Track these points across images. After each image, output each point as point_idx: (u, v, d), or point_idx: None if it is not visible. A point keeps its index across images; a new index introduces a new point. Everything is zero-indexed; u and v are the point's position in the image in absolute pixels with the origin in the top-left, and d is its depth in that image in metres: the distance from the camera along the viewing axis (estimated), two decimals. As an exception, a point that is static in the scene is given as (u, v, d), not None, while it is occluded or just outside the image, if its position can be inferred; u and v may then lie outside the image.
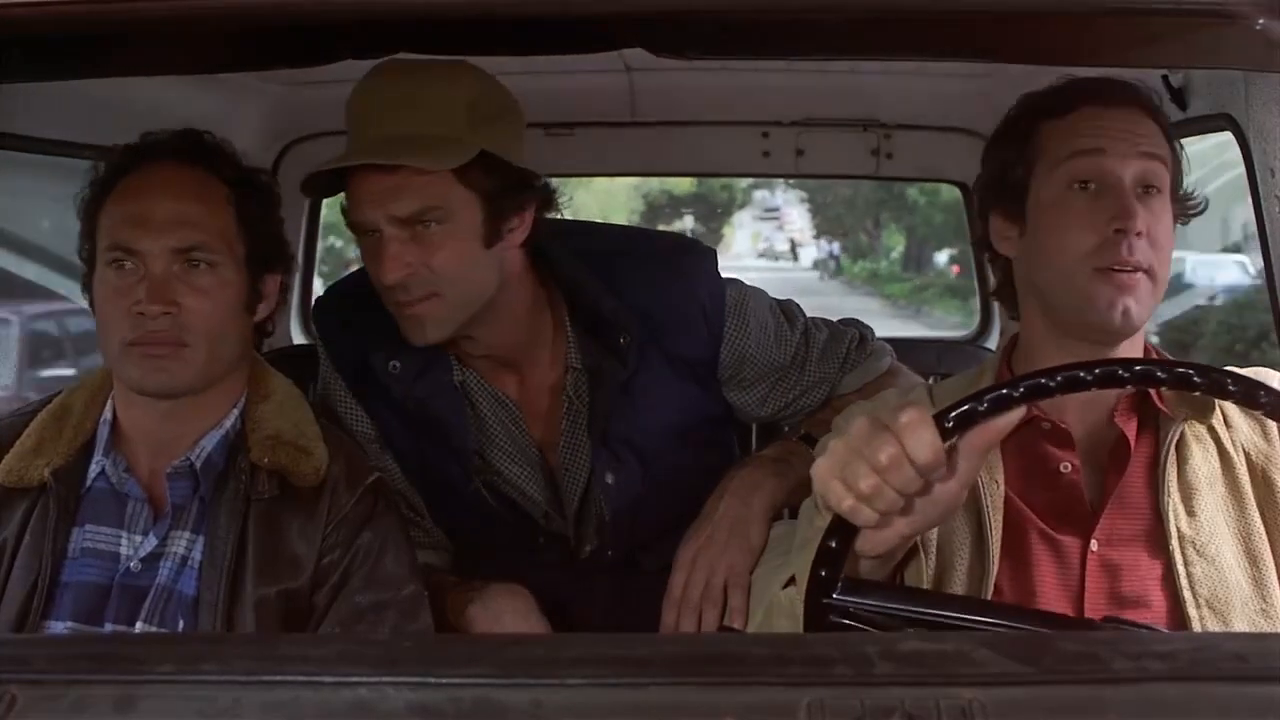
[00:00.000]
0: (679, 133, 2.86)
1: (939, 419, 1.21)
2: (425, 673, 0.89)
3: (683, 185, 26.80)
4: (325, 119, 2.77)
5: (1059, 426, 1.53)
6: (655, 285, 1.92)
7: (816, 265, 29.35)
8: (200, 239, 1.64)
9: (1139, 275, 1.47)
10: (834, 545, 1.24)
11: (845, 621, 1.24)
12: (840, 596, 1.24)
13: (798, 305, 2.06)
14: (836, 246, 28.21)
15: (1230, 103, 1.81)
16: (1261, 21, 1.07)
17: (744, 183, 26.87)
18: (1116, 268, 1.47)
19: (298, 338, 3.04)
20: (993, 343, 3.12)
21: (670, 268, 1.95)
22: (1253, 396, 1.22)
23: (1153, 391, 1.52)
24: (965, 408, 1.21)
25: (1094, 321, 1.49)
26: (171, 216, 1.63)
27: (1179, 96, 1.94)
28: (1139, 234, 1.47)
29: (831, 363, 2.00)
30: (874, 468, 1.20)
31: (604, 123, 2.85)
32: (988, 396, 1.21)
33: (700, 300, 1.93)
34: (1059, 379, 1.22)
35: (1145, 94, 1.55)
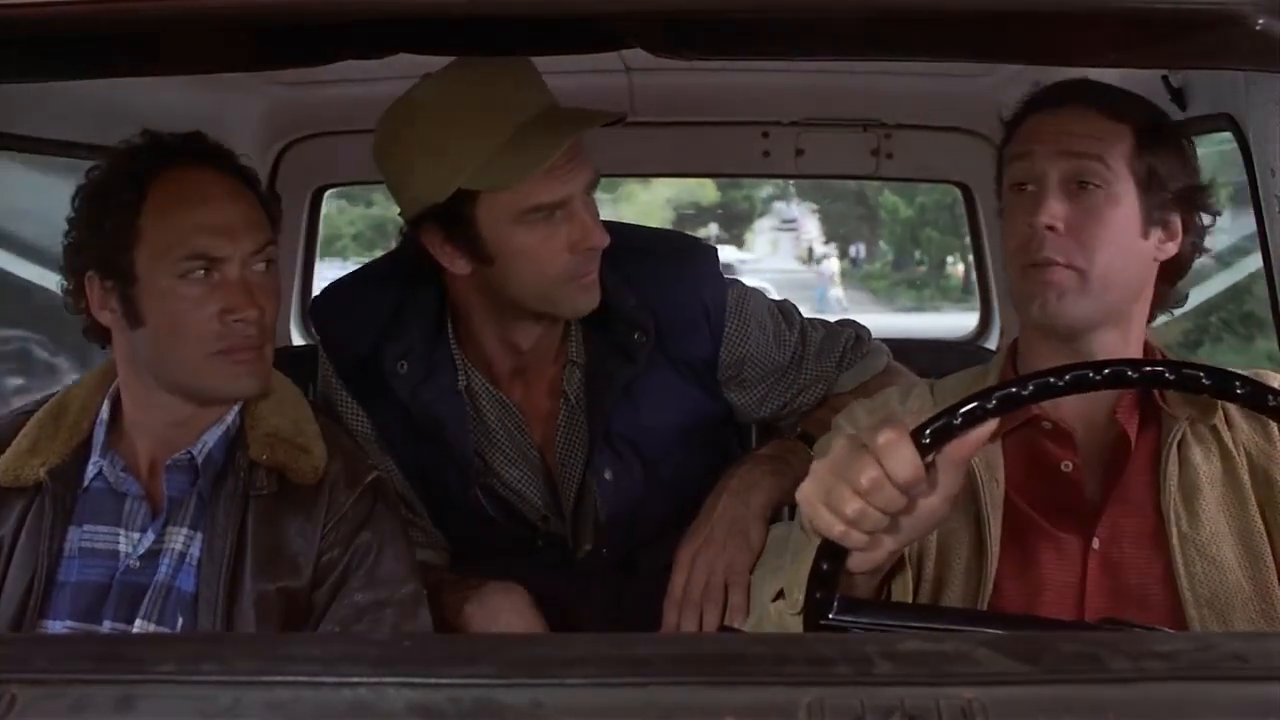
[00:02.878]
0: (679, 133, 2.86)
1: (915, 435, 1.21)
2: (425, 673, 0.89)
3: (709, 196, 29.98)
4: (325, 119, 2.78)
5: (1060, 426, 1.53)
6: (662, 285, 1.92)
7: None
8: (269, 238, 1.67)
9: (1061, 270, 1.49)
10: (826, 568, 1.26)
11: (844, 635, 1.25)
12: (837, 617, 1.25)
13: (794, 305, 2.06)
14: (861, 250, 30.22)
15: (1230, 103, 1.81)
16: (1261, 21, 1.07)
17: (763, 194, 30.55)
18: (1034, 263, 1.50)
19: (297, 338, 3.04)
20: (992, 342, 3.12)
21: (677, 268, 1.96)
22: (1228, 390, 1.23)
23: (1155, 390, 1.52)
24: (940, 423, 1.22)
25: (1027, 317, 1.54)
26: (242, 220, 1.65)
27: (1179, 96, 1.94)
28: (1051, 228, 1.49)
29: (828, 360, 2.00)
30: (856, 490, 1.20)
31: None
32: (962, 410, 1.22)
33: (703, 301, 1.93)
34: (1031, 387, 1.23)
35: (1095, 92, 1.56)
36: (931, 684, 0.87)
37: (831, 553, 1.25)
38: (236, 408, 1.73)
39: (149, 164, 1.65)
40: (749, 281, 2.10)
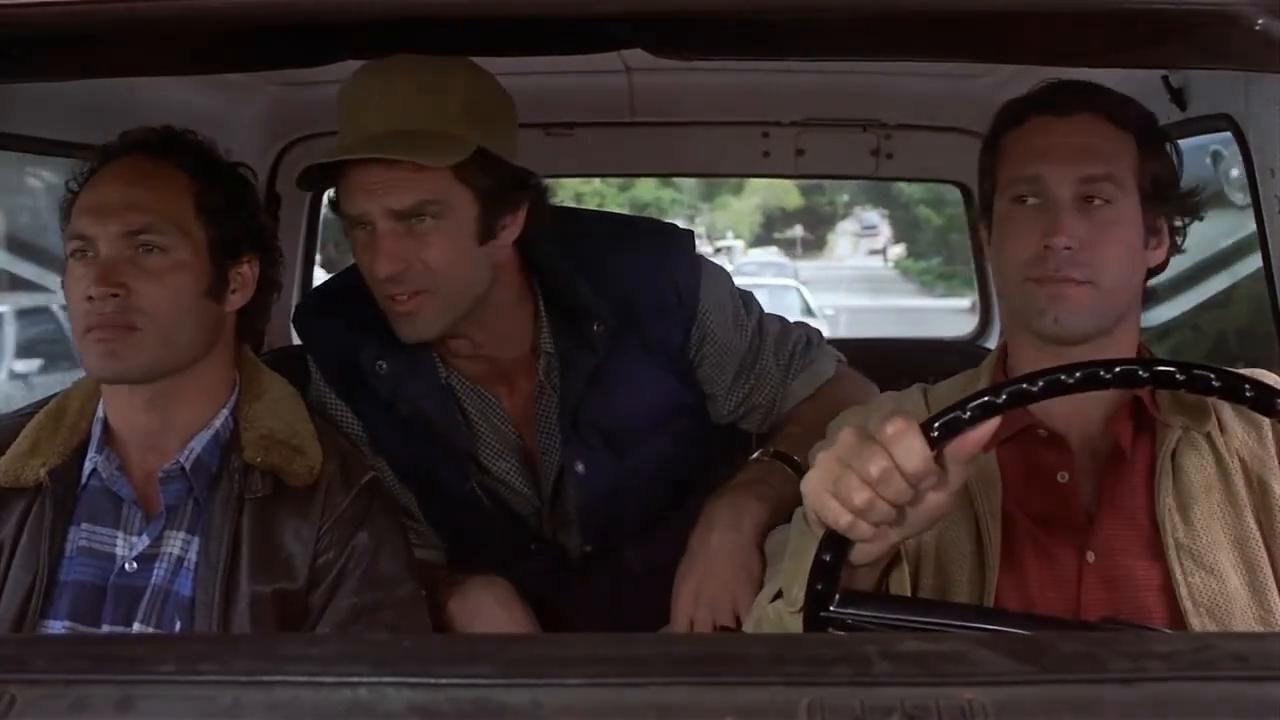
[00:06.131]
0: (679, 133, 2.87)
1: (924, 428, 1.21)
2: (425, 673, 0.89)
3: (793, 201, 33.32)
4: (325, 119, 2.75)
5: (1056, 434, 1.53)
6: (635, 270, 1.92)
7: (897, 265, 35.06)
8: (148, 221, 1.63)
9: (1074, 286, 1.49)
10: (828, 559, 1.25)
11: (844, 635, 1.24)
12: (838, 609, 1.25)
13: (753, 296, 2.08)
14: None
15: (1230, 103, 1.81)
16: (1261, 21, 1.07)
17: (844, 198, 34.03)
18: (1046, 278, 1.50)
19: (298, 338, 3.04)
20: (992, 342, 3.12)
21: (650, 252, 1.96)
22: (1237, 391, 1.22)
23: (1146, 398, 1.51)
24: (950, 416, 1.21)
25: (1036, 327, 1.53)
26: (120, 201, 1.63)
27: (1179, 96, 1.94)
28: (1068, 248, 1.48)
29: (782, 357, 2.01)
30: (865, 480, 1.20)
31: (604, 123, 2.84)
32: (971, 404, 1.21)
33: (676, 284, 1.94)
34: (1041, 384, 1.22)
35: (1104, 98, 1.54)
36: (931, 684, 0.87)
37: (834, 545, 1.24)
38: (226, 411, 1.72)
39: (96, 160, 1.69)
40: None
